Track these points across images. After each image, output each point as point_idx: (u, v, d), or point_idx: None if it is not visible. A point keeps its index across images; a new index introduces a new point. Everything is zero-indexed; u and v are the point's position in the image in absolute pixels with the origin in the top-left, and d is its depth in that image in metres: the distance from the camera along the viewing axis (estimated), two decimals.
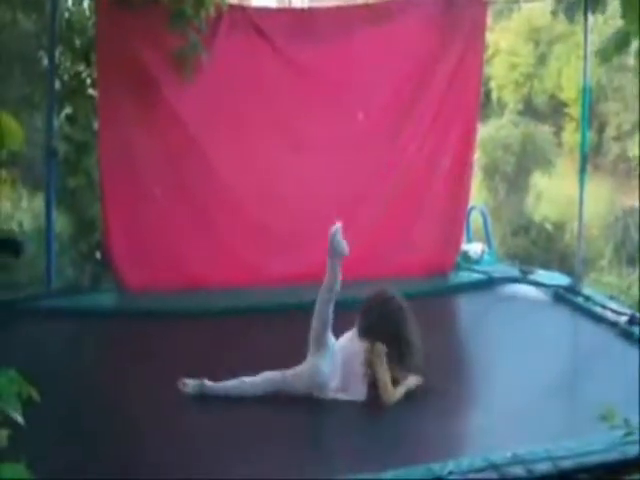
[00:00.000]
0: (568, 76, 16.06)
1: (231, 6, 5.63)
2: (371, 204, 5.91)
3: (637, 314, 4.70)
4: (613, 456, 2.76)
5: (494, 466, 2.70)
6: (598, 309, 5.03)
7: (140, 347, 4.47)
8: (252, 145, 5.68)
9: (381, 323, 3.85)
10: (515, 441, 2.97)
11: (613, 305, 5.07)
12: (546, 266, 7.25)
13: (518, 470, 2.69)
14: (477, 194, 10.73)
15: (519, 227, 11.59)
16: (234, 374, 3.78)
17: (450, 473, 2.66)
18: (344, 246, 3.72)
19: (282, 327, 4.53)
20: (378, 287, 4.06)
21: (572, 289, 5.50)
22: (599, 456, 2.78)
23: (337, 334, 3.86)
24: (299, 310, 4.96)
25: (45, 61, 6.19)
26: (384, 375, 3.75)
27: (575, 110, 14.71)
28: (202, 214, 5.67)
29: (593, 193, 7.56)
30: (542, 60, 17.90)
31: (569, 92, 15.96)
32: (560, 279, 5.84)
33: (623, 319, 4.70)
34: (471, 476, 2.67)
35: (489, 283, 5.87)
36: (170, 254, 5.60)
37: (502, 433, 3.27)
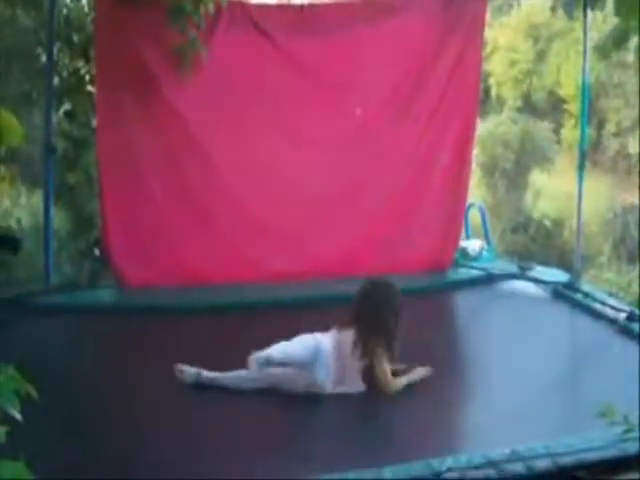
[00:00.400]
0: (567, 72, 16.07)
1: (230, 2, 5.61)
2: (370, 200, 5.91)
3: (636, 310, 4.69)
4: (613, 453, 2.75)
5: (493, 462, 2.69)
6: (597, 305, 5.02)
7: (139, 343, 4.47)
8: (252, 141, 5.66)
9: (372, 310, 3.86)
10: (514, 437, 2.97)
11: (612, 302, 5.07)
12: (545, 263, 7.23)
13: (517, 466, 2.68)
14: (476, 191, 10.74)
15: (518, 224, 11.61)
16: (234, 370, 3.78)
17: (449, 469, 2.66)
18: None
19: (282, 323, 4.52)
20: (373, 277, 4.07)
21: (571, 286, 5.49)
22: (599, 453, 2.76)
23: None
24: (299, 306, 4.98)
25: (44, 57, 6.17)
26: (383, 365, 3.75)
27: (574, 106, 14.72)
28: (201, 210, 5.66)
29: (592, 190, 7.57)
30: (541, 56, 17.91)
31: (568, 88, 15.96)
32: (559, 276, 5.83)
33: (622, 316, 4.70)
34: (470, 472, 2.66)
35: (488, 279, 5.86)
36: (169, 250, 5.59)
37: (501, 429, 3.26)
